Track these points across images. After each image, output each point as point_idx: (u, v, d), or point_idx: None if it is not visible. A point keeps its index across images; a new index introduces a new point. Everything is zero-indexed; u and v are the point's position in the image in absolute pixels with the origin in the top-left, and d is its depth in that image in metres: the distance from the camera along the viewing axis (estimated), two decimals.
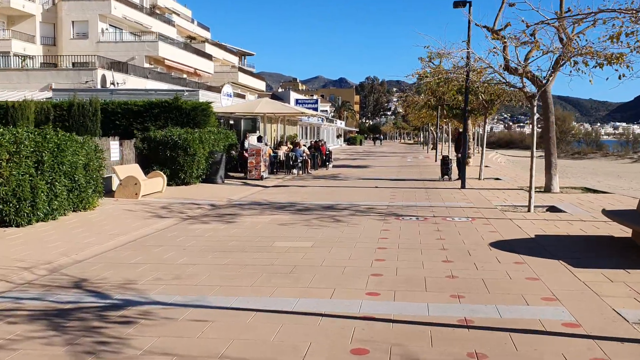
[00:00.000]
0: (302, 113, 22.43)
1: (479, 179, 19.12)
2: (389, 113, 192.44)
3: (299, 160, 21.68)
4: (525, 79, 12.38)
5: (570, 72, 10.93)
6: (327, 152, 28.39)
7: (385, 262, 6.99)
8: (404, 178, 20.52)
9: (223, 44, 66.33)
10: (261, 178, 18.82)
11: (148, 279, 6.30)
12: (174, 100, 19.72)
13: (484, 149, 19.61)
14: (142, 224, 10.00)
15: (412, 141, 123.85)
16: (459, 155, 18.88)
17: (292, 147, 23.42)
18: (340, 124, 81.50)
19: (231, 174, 20.44)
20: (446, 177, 19.04)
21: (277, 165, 22.55)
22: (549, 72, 11.28)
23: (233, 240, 8.53)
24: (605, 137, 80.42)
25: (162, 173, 14.95)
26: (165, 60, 40.41)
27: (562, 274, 6.35)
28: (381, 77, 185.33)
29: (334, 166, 27.87)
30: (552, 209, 11.92)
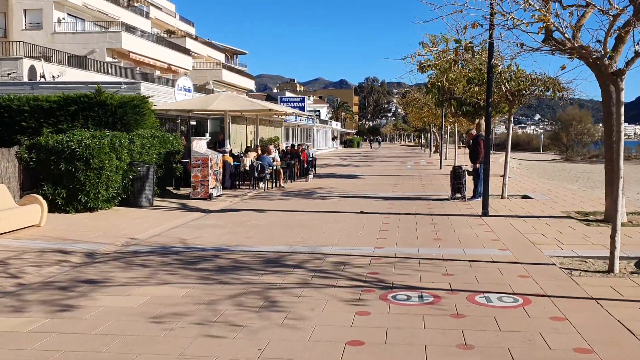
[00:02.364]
0: (269, 110, 17.56)
1: (502, 197, 14.26)
2: (389, 114, 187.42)
3: (266, 172, 16.82)
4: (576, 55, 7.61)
5: None
6: (310, 159, 23.54)
7: None
8: (402, 195, 15.66)
9: (208, 40, 61.60)
10: (209, 197, 13.97)
11: None
12: (95, 94, 14.91)
13: (508, 156, 14.72)
14: None
15: (412, 143, 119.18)
16: (477, 165, 14.03)
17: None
18: (336, 125, 76.68)
19: (176, 190, 15.62)
20: (458, 195, 14.16)
21: (239, 178, 17.76)
22: None
23: None
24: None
25: (39, 198, 10.10)
26: (131, 54, 35.51)
27: None
28: (381, 78, 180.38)
29: (317, 176, 23.01)
30: None
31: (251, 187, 16.96)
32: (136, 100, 15.09)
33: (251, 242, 8.73)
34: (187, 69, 44.45)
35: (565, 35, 6.49)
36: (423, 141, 76.48)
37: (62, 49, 33.00)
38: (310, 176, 20.50)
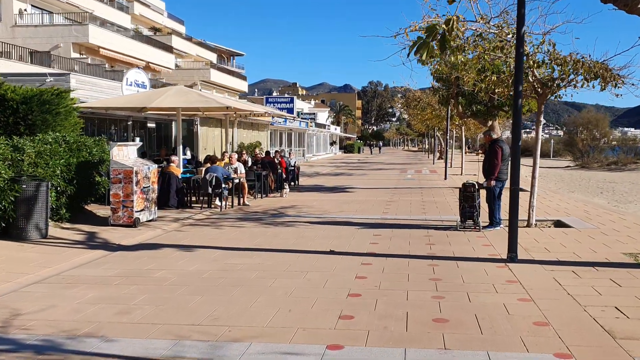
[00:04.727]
0: (227, 108, 13.89)
1: (528, 224, 10.59)
2: (393, 119, 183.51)
3: (223, 186, 13.20)
4: None
5: None
6: (291, 169, 19.96)
7: None
8: (395, 220, 12.01)
9: (203, 40, 58.21)
10: (134, 223, 10.36)
11: None
12: None
13: (537, 169, 11.02)
14: None
15: (416, 148, 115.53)
16: (491, 182, 10.36)
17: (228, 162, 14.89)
18: (335, 129, 73.06)
19: (99, 210, 12.01)
20: (470, 221, 10.47)
21: (195, 194, 14.22)
22: None
23: None
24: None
25: None
26: (101, 49, 32.01)
27: None
28: (384, 82, 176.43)
29: (299, 188, 19.39)
30: None
31: (204, 206, 13.37)
32: (47, 95, 11.56)
33: (122, 323, 5.09)
34: (169, 68, 41.04)
35: None
36: (427, 146, 72.92)
37: (24, 43, 29.61)
38: (286, 190, 16.86)
